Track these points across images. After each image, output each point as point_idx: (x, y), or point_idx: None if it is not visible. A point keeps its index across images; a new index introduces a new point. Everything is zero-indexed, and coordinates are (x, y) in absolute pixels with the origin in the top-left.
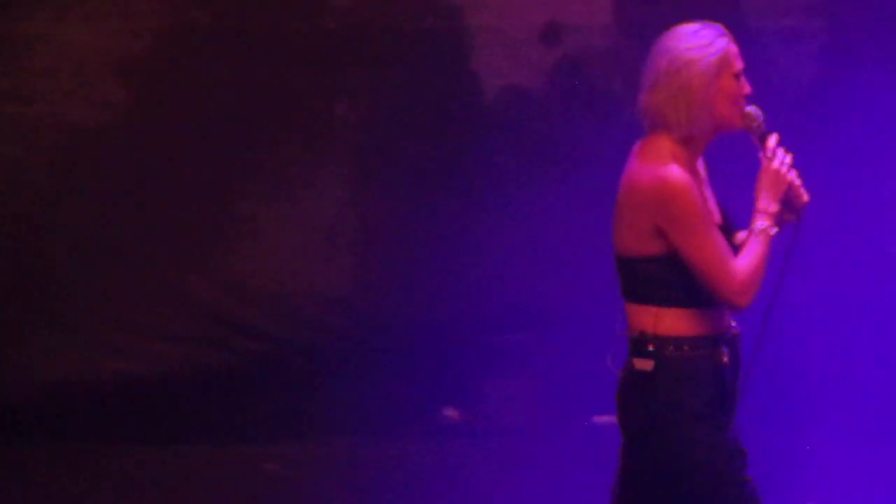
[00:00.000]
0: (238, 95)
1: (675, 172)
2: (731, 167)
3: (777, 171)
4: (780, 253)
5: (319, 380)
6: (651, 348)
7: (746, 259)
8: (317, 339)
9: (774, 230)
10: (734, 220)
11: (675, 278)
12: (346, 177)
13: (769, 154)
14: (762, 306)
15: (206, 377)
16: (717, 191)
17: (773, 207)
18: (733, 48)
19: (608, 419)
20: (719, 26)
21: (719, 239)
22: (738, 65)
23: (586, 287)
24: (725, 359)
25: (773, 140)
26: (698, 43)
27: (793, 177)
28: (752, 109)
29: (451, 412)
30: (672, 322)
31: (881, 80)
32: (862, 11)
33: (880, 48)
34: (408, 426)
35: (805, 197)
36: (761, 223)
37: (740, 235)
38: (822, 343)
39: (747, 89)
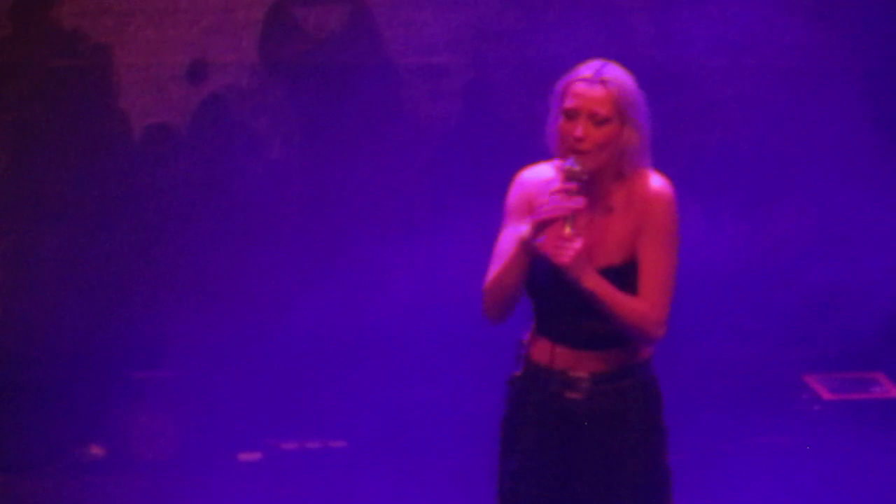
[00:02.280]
0: None
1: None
2: None
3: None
4: None
5: None
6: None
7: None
8: None
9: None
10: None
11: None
12: None
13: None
14: None
15: None
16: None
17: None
18: (576, 87)
19: (252, 456)
20: (602, 66)
21: (504, 236)
22: (568, 103)
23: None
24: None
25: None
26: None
27: (552, 245)
28: (568, 164)
29: (95, 449)
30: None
31: None
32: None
33: None
34: (49, 462)
35: (558, 258)
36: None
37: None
38: None
39: (570, 131)
